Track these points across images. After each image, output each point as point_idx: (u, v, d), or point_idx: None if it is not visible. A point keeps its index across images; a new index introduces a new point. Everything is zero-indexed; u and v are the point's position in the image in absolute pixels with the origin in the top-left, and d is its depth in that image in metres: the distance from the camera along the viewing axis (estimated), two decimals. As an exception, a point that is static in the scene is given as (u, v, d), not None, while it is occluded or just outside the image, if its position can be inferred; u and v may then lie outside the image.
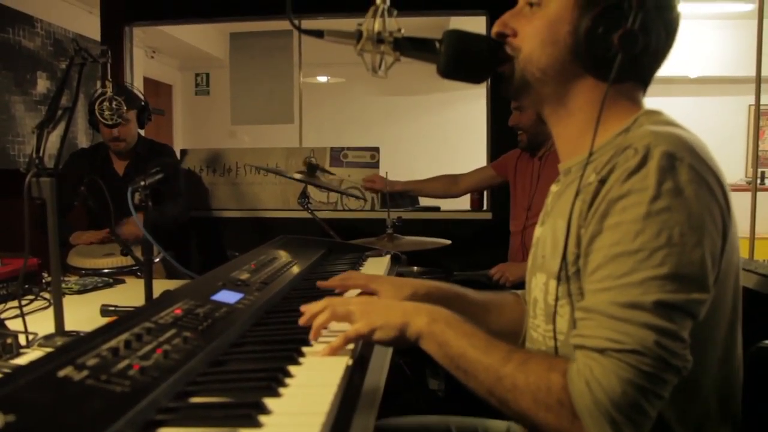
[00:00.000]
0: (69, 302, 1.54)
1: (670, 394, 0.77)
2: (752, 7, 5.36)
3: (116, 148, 2.88)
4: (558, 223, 0.92)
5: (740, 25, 5.62)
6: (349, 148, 3.66)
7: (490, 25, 3.41)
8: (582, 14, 0.90)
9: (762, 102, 2.77)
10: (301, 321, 0.99)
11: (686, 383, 0.80)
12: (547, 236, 0.96)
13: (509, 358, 0.83)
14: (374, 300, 1.05)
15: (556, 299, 0.90)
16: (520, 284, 2.35)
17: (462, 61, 0.98)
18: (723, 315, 0.86)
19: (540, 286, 0.98)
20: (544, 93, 0.97)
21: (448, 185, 3.05)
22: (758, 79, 2.49)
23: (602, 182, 0.83)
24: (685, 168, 0.78)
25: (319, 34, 1.06)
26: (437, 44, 0.99)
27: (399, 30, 1.00)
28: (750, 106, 6.86)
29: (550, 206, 1.03)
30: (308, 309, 1.00)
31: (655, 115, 0.91)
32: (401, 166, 3.93)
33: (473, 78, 1.05)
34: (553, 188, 1.06)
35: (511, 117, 2.63)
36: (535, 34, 0.94)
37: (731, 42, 5.75)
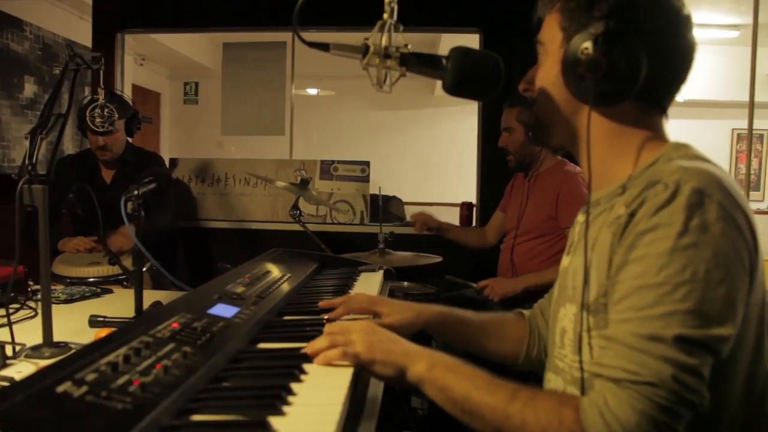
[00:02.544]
0: (56, 312, 1.48)
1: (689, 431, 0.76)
2: (737, 34, 5.47)
3: (102, 157, 2.83)
4: (590, 255, 0.93)
5: (725, 51, 5.72)
6: (339, 162, 3.66)
7: (483, 43, 3.44)
8: (564, 50, 0.94)
9: (743, 126, 2.81)
10: (306, 349, 0.97)
11: (706, 420, 0.80)
12: (578, 267, 0.96)
13: (515, 396, 0.83)
14: (376, 329, 1.03)
15: (581, 330, 0.89)
16: (507, 301, 2.38)
17: (468, 78, 0.98)
18: (745, 352, 0.86)
19: (569, 316, 0.98)
20: (561, 132, 1.02)
21: (481, 238, 3.01)
22: (751, 105, 2.53)
23: (632, 215, 0.84)
24: (713, 205, 0.79)
25: (324, 47, 1.05)
26: (444, 61, 0.98)
27: (406, 45, 0.99)
28: (733, 129, 6.97)
29: (578, 237, 1.03)
30: (311, 345, 0.98)
31: (683, 149, 0.92)
32: (390, 181, 3.93)
33: (478, 95, 1.04)
34: (580, 218, 1.07)
35: (501, 138, 2.68)
36: (540, 80, 1.02)
37: (716, 67, 5.85)
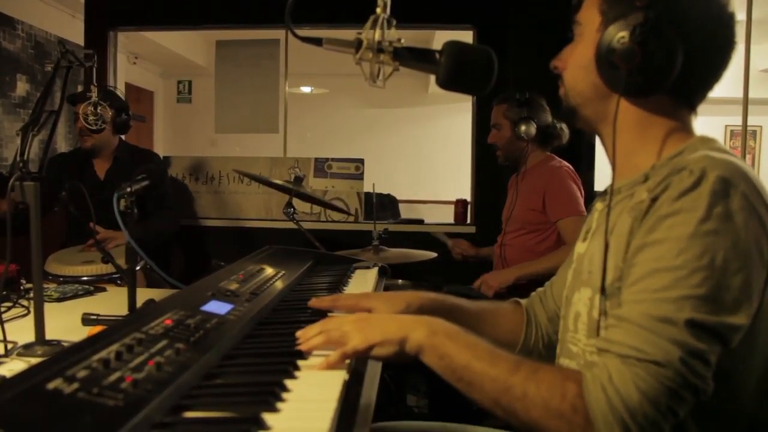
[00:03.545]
0: (48, 310, 1.47)
1: (698, 423, 0.76)
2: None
3: (84, 144, 2.80)
4: (608, 239, 0.93)
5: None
6: (333, 159, 3.65)
7: (476, 39, 3.44)
8: (600, 36, 0.94)
9: (736, 123, 2.82)
10: (300, 347, 0.96)
11: (716, 411, 0.80)
12: (594, 252, 0.96)
13: (517, 368, 0.82)
14: (369, 316, 1.03)
15: (600, 313, 0.89)
16: (502, 294, 2.38)
17: (461, 72, 0.98)
18: (760, 348, 0.85)
19: (584, 300, 0.98)
20: (588, 116, 1.02)
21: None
22: (745, 101, 2.53)
23: (654, 200, 0.84)
24: (738, 195, 0.79)
25: (317, 41, 1.04)
26: (437, 55, 0.98)
27: (399, 40, 0.99)
28: (726, 126, 7.01)
29: (596, 223, 1.03)
30: (303, 333, 0.97)
31: (710, 142, 0.92)
32: (385, 178, 3.92)
33: (471, 89, 1.05)
34: (599, 206, 1.07)
35: (490, 135, 2.69)
36: (573, 63, 1.02)
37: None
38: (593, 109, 1.00)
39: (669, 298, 0.77)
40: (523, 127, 2.46)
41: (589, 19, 0.98)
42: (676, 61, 0.88)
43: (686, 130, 0.96)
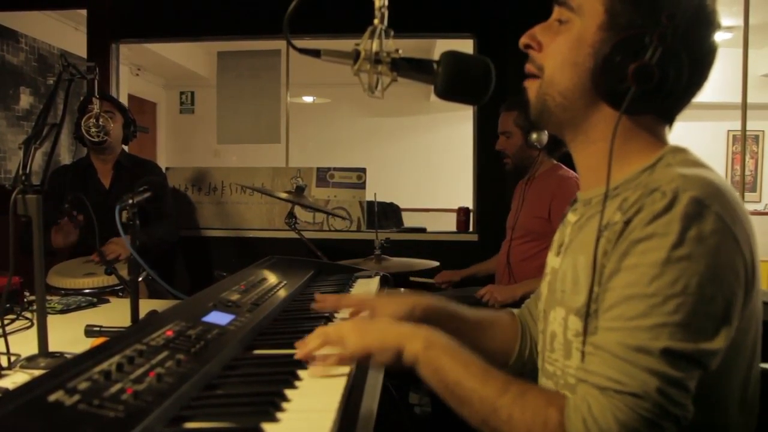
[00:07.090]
0: (52, 322, 1.48)
1: None
2: (730, 36, 5.48)
3: (100, 145, 2.81)
4: (579, 258, 0.91)
5: (720, 53, 5.73)
6: (335, 169, 3.66)
7: (477, 48, 3.45)
8: (604, 39, 0.88)
9: (738, 128, 2.82)
10: (298, 355, 0.96)
11: (697, 429, 0.79)
12: (567, 270, 0.94)
13: (506, 390, 0.82)
14: (368, 322, 1.03)
15: (585, 335, 0.87)
16: (509, 305, 2.38)
17: (459, 82, 0.98)
18: (741, 364, 0.85)
19: (558, 320, 0.96)
20: (564, 118, 0.96)
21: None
22: (744, 106, 2.54)
23: (627, 223, 0.81)
24: (711, 216, 0.76)
25: (316, 53, 1.05)
26: (435, 65, 0.98)
27: (396, 50, 0.99)
28: (729, 131, 7.00)
29: (569, 237, 1.00)
30: (302, 344, 0.97)
31: (681, 154, 0.89)
32: (387, 187, 3.93)
33: (470, 99, 1.05)
34: (571, 218, 1.04)
35: (498, 141, 2.66)
36: (558, 52, 0.94)
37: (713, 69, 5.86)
38: (572, 114, 0.95)
39: (644, 326, 0.75)
40: (535, 135, 2.45)
41: (587, 9, 0.90)
42: (683, 82, 0.85)
43: (660, 141, 0.93)
